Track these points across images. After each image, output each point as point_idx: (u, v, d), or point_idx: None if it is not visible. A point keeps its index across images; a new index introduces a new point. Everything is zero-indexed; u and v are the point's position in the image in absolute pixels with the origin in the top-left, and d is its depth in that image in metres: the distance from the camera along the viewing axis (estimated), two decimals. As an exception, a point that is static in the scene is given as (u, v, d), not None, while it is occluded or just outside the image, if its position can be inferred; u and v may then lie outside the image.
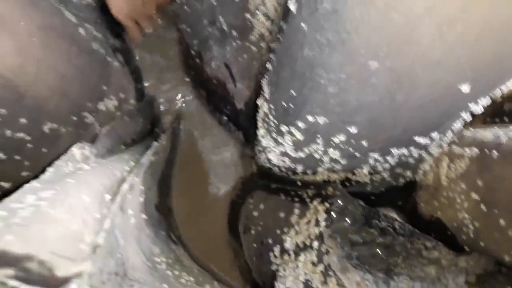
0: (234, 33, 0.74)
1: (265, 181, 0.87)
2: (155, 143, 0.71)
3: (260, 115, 0.62)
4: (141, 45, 0.96)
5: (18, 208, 0.31)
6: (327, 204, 0.66)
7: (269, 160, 0.70)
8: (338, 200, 0.68)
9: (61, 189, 0.38)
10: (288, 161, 0.65)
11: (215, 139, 0.93)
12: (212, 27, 0.77)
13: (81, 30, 0.79)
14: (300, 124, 0.50)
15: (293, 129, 0.52)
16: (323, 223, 0.63)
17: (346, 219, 0.67)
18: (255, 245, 0.81)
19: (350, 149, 0.53)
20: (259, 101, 0.63)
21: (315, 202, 0.69)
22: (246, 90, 0.83)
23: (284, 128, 0.54)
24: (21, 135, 0.68)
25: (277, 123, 0.54)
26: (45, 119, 0.70)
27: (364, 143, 0.51)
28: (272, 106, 0.53)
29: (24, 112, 0.67)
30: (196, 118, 0.94)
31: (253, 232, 0.82)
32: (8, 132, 0.66)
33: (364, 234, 0.66)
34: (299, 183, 0.74)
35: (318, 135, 0.51)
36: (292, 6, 0.41)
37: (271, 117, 0.56)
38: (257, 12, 0.70)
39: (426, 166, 0.67)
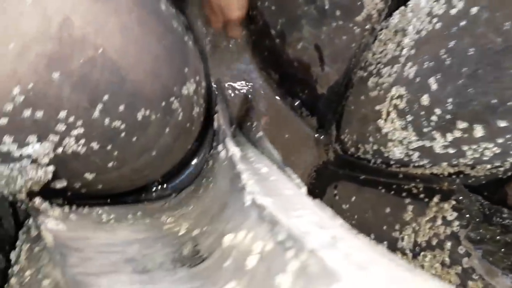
0: (338, 12, 0.68)
1: (346, 171, 0.83)
2: (261, 132, 0.64)
3: (397, 107, 0.57)
4: (202, 22, 0.88)
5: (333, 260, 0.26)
6: (453, 202, 0.62)
7: (378, 153, 0.66)
8: (461, 197, 0.64)
9: (301, 207, 0.32)
10: (416, 155, 0.61)
11: (286, 124, 0.87)
12: (309, 6, 0.71)
13: (162, 6, 0.70)
14: (502, 124, 0.45)
15: (478, 126, 0.48)
16: (456, 223, 0.59)
17: (467, 216, 0.64)
18: (346, 239, 0.77)
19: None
20: (396, 90, 0.58)
21: (435, 199, 0.65)
22: (334, 74, 0.78)
23: (462, 124, 0.49)
24: (118, 123, 0.60)
25: (450, 117, 0.50)
26: (140, 105, 0.62)
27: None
28: (450, 100, 0.48)
29: (123, 97, 0.60)
30: (265, 101, 0.87)
31: (342, 226, 0.78)
32: (107, 120, 0.58)
33: (483, 232, 0.63)
34: (401, 175, 0.70)
35: (508, 135, 0.47)
36: None
37: (437, 111, 0.51)
38: (372, -9, 0.64)
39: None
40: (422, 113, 0.53)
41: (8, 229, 0.88)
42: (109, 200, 0.75)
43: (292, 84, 0.84)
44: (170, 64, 0.68)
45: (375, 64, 0.69)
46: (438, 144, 0.54)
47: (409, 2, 0.64)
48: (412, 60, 0.56)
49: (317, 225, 0.28)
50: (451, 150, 0.54)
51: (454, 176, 0.67)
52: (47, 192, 0.60)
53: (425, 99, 0.52)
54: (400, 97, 0.57)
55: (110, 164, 0.63)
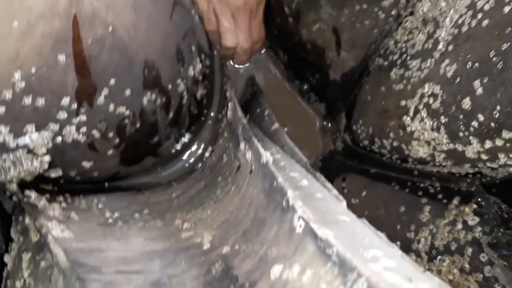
0: (363, -5, 0.63)
1: (355, 163, 0.79)
2: (277, 124, 0.60)
3: (429, 105, 0.53)
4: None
5: None
6: (474, 206, 0.60)
7: (397, 150, 0.62)
8: (481, 200, 0.62)
9: (370, 243, 0.28)
10: (442, 157, 0.57)
11: (291, 108, 0.82)
12: (331, -14, 0.65)
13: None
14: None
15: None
16: (478, 229, 0.57)
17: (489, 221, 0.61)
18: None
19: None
20: (428, 87, 0.54)
21: (454, 201, 0.62)
22: (351, 60, 0.73)
23: (509, 134, 0.46)
24: (122, 109, 0.54)
25: (495, 126, 0.46)
26: (147, 89, 0.57)
27: None
28: (498, 108, 0.45)
29: (131, 81, 0.54)
30: (270, 84, 0.82)
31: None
32: (111, 106, 0.53)
33: (500, 235, 0.61)
34: (416, 172, 0.67)
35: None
36: None
37: (480, 118, 0.48)
38: (404, -26, 0.59)
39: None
40: (461, 117, 0.50)
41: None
42: (101, 185, 0.69)
43: (302, 67, 0.78)
44: (179, 42, 0.61)
45: (398, 54, 0.64)
46: (473, 149, 0.51)
47: (440, -11, 0.59)
48: (450, 57, 0.52)
49: (400, 274, 0.24)
50: (484, 156, 0.51)
51: (471, 176, 0.65)
52: (39, 179, 0.55)
53: (466, 103, 0.48)
54: (434, 95, 0.53)
55: (110, 152, 0.58)
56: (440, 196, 0.63)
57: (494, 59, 0.44)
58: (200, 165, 0.67)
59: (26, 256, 0.41)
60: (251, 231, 0.37)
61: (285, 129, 0.82)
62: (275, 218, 0.35)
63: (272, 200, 0.36)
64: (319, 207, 0.32)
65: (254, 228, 0.37)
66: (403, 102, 0.59)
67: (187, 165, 0.74)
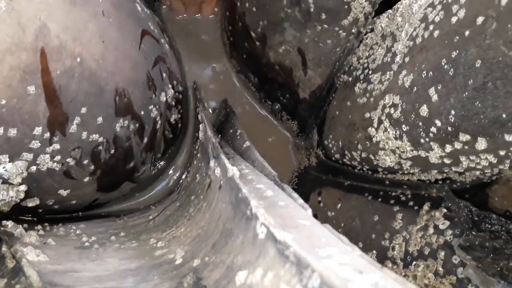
0: (323, 16, 0.66)
1: (329, 177, 0.81)
2: (248, 142, 0.61)
3: (390, 116, 0.56)
4: (177, 22, 0.84)
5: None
6: (444, 210, 0.61)
7: (367, 161, 0.64)
8: (450, 204, 0.64)
9: (326, 243, 0.29)
10: (408, 164, 0.59)
11: (265, 128, 0.85)
12: (293, 9, 0.68)
13: (138, 7, 0.66)
14: (510, 138, 0.44)
15: (482, 139, 0.47)
16: (449, 232, 0.58)
17: (459, 224, 0.63)
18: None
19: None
20: (389, 98, 0.56)
21: (425, 207, 0.64)
22: (318, 78, 0.75)
23: (465, 137, 0.48)
24: (95, 136, 0.56)
25: (452, 130, 0.48)
26: (119, 116, 0.58)
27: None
28: (453, 112, 0.47)
29: (102, 109, 0.56)
30: (243, 106, 0.84)
31: (327, 233, 0.76)
32: (84, 134, 0.54)
33: (472, 238, 0.63)
34: (387, 182, 0.69)
35: (512, 147, 0.46)
36: None
37: (438, 123, 0.50)
38: (360, -6, 0.62)
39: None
40: (420, 124, 0.52)
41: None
42: (80, 214, 0.70)
43: (272, 88, 0.81)
44: (149, 70, 0.63)
45: (361, 69, 0.67)
46: (435, 154, 0.53)
47: (396, 6, 0.62)
48: (406, 68, 0.54)
49: (352, 268, 0.26)
50: (447, 160, 0.53)
51: (440, 182, 0.67)
52: (17, 209, 0.56)
53: (424, 110, 0.50)
54: (394, 106, 0.55)
55: (86, 179, 0.59)
56: (411, 203, 0.65)
57: (445, 66, 0.47)
58: (176, 187, 0.69)
59: (1, 282, 0.41)
60: (220, 242, 0.38)
61: (265, 141, 0.84)
62: (240, 227, 0.36)
63: (238, 211, 0.38)
64: (281, 213, 0.34)
65: (222, 239, 0.38)
66: (367, 114, 0.61)
67: (165, 189, 0.75)
